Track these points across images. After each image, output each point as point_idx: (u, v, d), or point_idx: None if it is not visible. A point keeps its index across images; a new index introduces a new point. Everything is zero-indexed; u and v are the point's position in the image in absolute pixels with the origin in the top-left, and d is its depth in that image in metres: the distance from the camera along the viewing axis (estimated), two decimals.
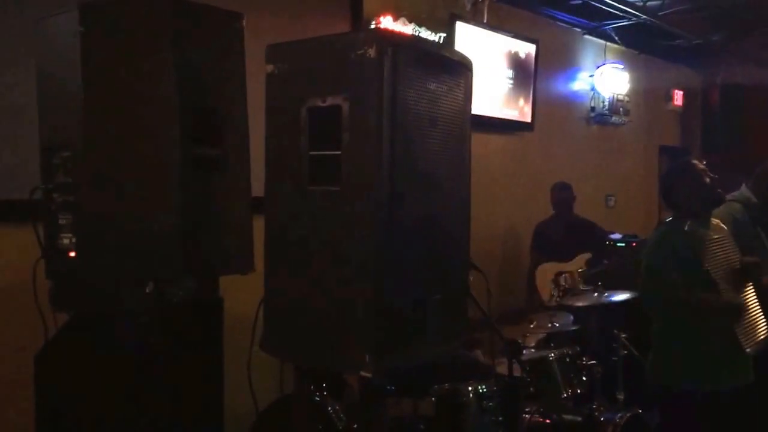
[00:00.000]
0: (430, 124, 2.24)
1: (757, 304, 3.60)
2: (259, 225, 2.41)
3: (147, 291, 2.40)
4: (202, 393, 2.64)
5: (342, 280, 2.16)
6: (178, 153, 2.37)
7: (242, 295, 2.53)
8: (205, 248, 2.50)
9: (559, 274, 6.12)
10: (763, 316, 3.58)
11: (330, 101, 2.16)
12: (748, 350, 3.40)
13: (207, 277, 2.62)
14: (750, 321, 3.51)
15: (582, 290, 5.47)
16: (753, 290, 3.61)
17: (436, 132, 2.27)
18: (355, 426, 2.95)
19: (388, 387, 3.58)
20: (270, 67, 2.28)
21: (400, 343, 2.20)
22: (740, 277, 3.57)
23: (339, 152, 2.15)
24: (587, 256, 6.16)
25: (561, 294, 5.66)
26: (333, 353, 2.22)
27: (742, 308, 3.46)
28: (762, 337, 3.50)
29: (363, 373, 2.12)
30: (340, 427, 3.19)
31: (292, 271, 2.29)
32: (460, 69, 2.38)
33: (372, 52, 2.07)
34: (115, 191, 2.36)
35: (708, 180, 3.60)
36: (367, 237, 2.11)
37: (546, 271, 6.27)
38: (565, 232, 6.31)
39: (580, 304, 5.03)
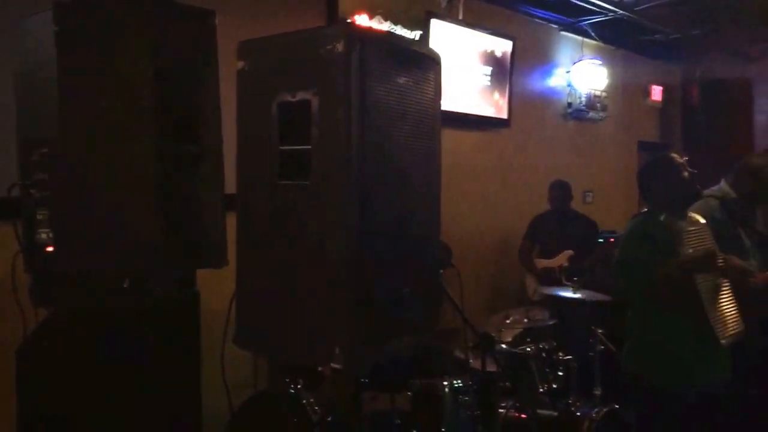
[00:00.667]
0: (400, 118, 2.25)
1: (732, 298, 3.62)
2: (230, 221, 2.42)
3: (125, 286, 2.41)
4: (181, 389, 2.65)
5: (313, 273, 2.17)
6: (153, 149, 2.37)
7: (214, 290, 2.53)
8: (181, 243, 2.50)
9: (544, 269, 6.22)
10: (737, 310, 3.60)
11: (300, 96, 2.17)
12: (723, 342, 3.41)
13: (184, 272, 2.63)
14: (724, 314, 3.51)
15: (562, 285, 5.51)
16: (728, 284, 3.64)
17: (406, 126, 2.28)
18: (330, 419, 2.96)
19: (363, 380, 3.61)
20: (241, 63, 2.29)
21: (372, 335, 2.21)
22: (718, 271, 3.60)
23: (309, 147, 2.16)
24: (570, 253, 6.25)
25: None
26: (305, 346, 2.24)
27: (710, 254, 3.44)
28: (736, 330, 3.51)
29: (334, 365, 2.13)
30: (315, 420, 3.20)
31: (264, 265, 2.31)
32: (429, 63, 2.39)
33: (340, 46, 2.08)
34: (91, 187, 2.37)
35: (686, 174, 3.62)
36: (338, 231, 2.12)
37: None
38: (559, 229, 6.42)
39: (560, 297, 5.08)
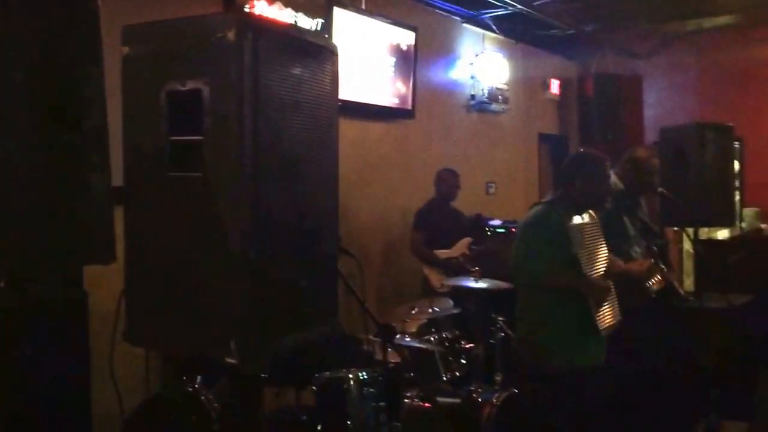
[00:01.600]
0: (295, 109, 2.21)
1: (613, 293, 3.82)
2: (118, 214, 2.32)
3: (2, 286, 2.28)
4: (68, 394, 2.54)
5: (207, 266, 2.12)
6: (30, 140, 2.24)
7: (102, 287, 2.43)
8: (65, 238, 2.38)
9: (447, 259, 6.25)
10: (616, 302, 3.80)
11: (190, 85, 2.10)
12: (602, 332, 3.67)
13: (70, 270, 2.51)
14: (605, 307, 3.72)
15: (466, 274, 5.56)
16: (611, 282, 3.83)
17: (302, 117, 2.24)
18: (229, 417, 2.90)
19: (263, 376, 3.55)
20: (126, 49, 2.20)
21: (268, 328, 2.17)
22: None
23: (201, 138, 2.09)
24: (469, 240, 6.34)
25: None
26: (199, 340, 2.18)
27: (606, 289, 3.65)
28: (614, 321, 3.75)
29: (229, 360, 2.08)
30: (214, 417, 3.12)
31: (155, 259, 2.23)
32: (326, 54, 2.36)
33: (231, 35, 2.02)
34: None
35: (607, 189, 3.77)
36: (232, 223, 2.07)
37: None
38: (446, 218, 6.45)
39: (464, 287, 5.14)
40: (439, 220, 6.39)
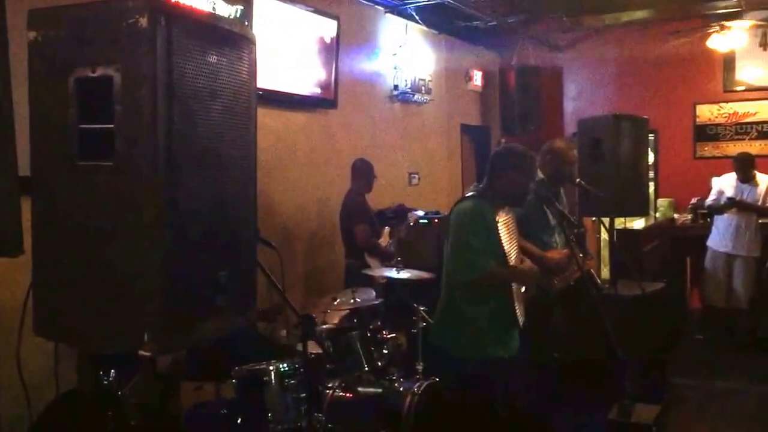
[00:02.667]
0: (211, 98, 2.16)
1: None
2: (25, 205, 2.24)
3: None
4: None
5: (119, 258, 2.05)
6: None
7: (9, 281, 2.33)
8: None
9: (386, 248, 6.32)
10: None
11: (100, 72, 2.03)
12: (521, 324, 3.80)
13: None
14: (533, 273, 3.87)
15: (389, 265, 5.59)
16: None
17: (218, 106, 2.19)
18: (145, 412, 2.83)
19: (182, 371, 3.50)
20: (32, 34, 2.11)
21: (184, 320, 2.13)
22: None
23: (112, 126, 2.03)
24: (388, 229, 6.46)
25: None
26: (112, 333, 2.11)
27: (534, 271, 3.74)
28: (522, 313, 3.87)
29: (142, 353, 2.03)
30: (130, 414, 3.04)
31: (65, 250, 2.15)
32: (243, 42, 2.31)
33: (144, 21, 1.96)
34: None
35: (529, 186, 3.83)
36: (145, 213, 2.02)
37: None
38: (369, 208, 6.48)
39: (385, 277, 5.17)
40: (370, 210, 6.47)
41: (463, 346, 3.78)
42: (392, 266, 5.24)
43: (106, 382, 3.15)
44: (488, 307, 3.72)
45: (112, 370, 3.07)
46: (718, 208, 7.63)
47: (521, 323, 3.81)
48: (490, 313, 3.72)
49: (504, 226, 3.73)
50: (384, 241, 6.37)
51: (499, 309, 3.72)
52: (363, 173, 6.42)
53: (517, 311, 3.79)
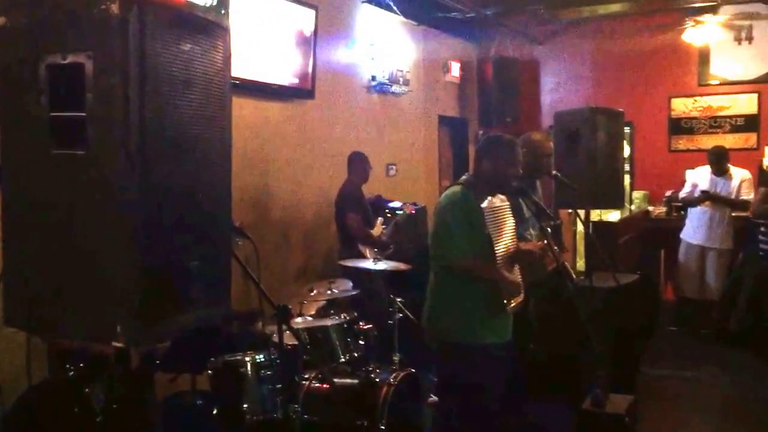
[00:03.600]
0: (185, 86, 2.15)
1: (519, 273, 3.94)
2: None
3: None
4: None
5: (91, 247, 2.05)
6: None
7: None
8: None
9: (379, 238, 6.36)
10: (522, 283, 3.90)
11: (71, 59, 2.01)
12: (509, 310, 3.74)
13: None
14: (515, 285, 3.80)
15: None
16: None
17: (192, 95, 2.18)
18: (115, 406, 2.81)
19: (156, 362, 3.47)
20: (2, 20, 2.08)
21: (157, 311, 2.11)
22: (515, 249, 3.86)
23: (83, 114, 2.01)
24: (381, 220, 6.56)
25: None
26: (84, 324, 2.11)
27: (517, 286, 3.76)
28: (520, 300, 3.83)
29: (115, 344, 2.01)
30: (98, 409, 3.02)
31: (36, 239, 2.14)
32: (217, 31, 2.30)
33: (115, 8, 1.94)
34: None
35: (516, 170, 3.83)
36: (117, 202, 2.01)
37: None
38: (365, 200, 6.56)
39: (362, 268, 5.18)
40: (364, 200, 6.53)
41: (452, 329, 3.77)
42: (375, 257, 5.28)
43: (72, 374, 3.12)
44: (476, 289, 3.71)
45: (80, 364, 3.05)
46: (691, 201, 7.71)
47: (512, 309, 3.77)
48: (479, 296, 3.70)
49: (492, 213, 3.75)
50: (377, 231, 6.43)
51: (489, 293, 3.70)
52: (356, 164, 6.51)
53: (508, 297, 3.75)
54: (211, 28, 2.28)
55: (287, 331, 3.32)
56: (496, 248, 3.69)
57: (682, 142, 9.55)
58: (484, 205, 3.71)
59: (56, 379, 2.74)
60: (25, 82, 2.06)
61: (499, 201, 3.87)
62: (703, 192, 7.53)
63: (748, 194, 7.40)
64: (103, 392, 2.91)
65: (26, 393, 2.99)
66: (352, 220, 6.22)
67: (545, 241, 4.02)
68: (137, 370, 2.59)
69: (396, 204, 7.15)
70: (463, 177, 3.96)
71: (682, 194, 7.93)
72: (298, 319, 4.64)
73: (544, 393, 4.77)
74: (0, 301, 2.25)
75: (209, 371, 3.89)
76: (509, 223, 3.91)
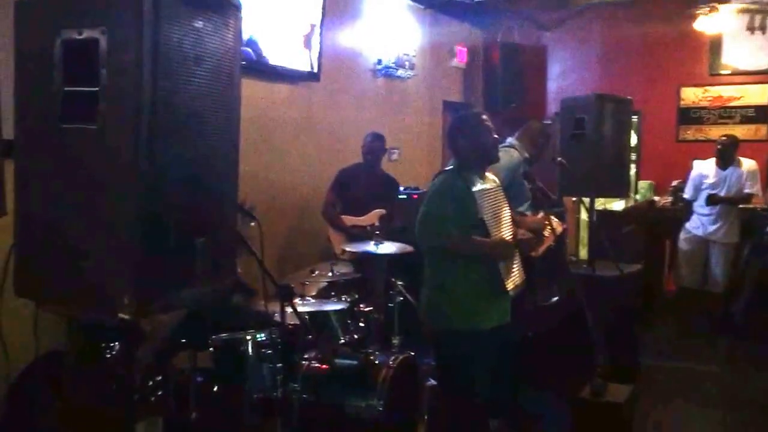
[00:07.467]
0: (196, 63, 2.15)
1: (517, 253, 3.91)
2: (9, 168, 2.24)
3: None
4: None
5: (100, 221, 2.06)
6: None
7: None
8: None
9: (353, 227, 6.20)
10: (520, 264, 3.90)
11: (87, 34, 2.02)
12: (509, 291, 3.73)
13: None
14: (511, 267, 3.82)
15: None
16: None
17: (203, 72, 2.18)
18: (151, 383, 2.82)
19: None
20: None
21: (163, 284, 2.14)
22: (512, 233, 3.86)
23: (97, 89, 2.02)
24: (381, 212, 6.25)
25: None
26: (92, 297, 2.12)
27: (510, 245, 3.74)
28: (519, 281, 3.84)
29: (122, 316, 2.04)
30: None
31: (48, 213, 2.15)
32: (229, 9, 2.30)
33: None
34: None
35: (493, 138, 3.81)
36: (127, 177, 2.02)
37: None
38: (367, 184, 6.33)
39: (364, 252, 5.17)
40: (358, 185, 6.30)
41: (449, 315, 3.77)
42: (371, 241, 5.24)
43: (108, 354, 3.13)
44: (468, 273, 3.71)
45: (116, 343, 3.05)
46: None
47: (512, 290, 3.77)
48: (472, 280, 3.70)
49: (485, 195, 3.72)
50: (367, 221, 6.17)
51: (483, 277, 3.70)
52: (366, 142, 6.37)
53: (507, 279, 3.74)
54: (223, 6, 2.29)
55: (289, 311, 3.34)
56: (492, 231, 3.67)
57: (690, 132, 9.44)
58: (475, 189, 3.69)
59: (74, 346, 2.76)
60: (41, 57, 2.07)
61: (492, 184, 3.86)
62: (709, 196, 7.45)
63: (752, 186, 7.36)
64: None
65: (36, 360, 3.02)
66: (325, 198, 6.13)
67: (544, 217, 4.05)
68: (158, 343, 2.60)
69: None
70: (449, 165, 3.94)
71: (686, 196, 7.82)
72: (299, 300, 4.66)
73: (539, 381, 4.79)
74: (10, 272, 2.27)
75: (211, 348, 3.92)
76: (503, 205, 3.89)
